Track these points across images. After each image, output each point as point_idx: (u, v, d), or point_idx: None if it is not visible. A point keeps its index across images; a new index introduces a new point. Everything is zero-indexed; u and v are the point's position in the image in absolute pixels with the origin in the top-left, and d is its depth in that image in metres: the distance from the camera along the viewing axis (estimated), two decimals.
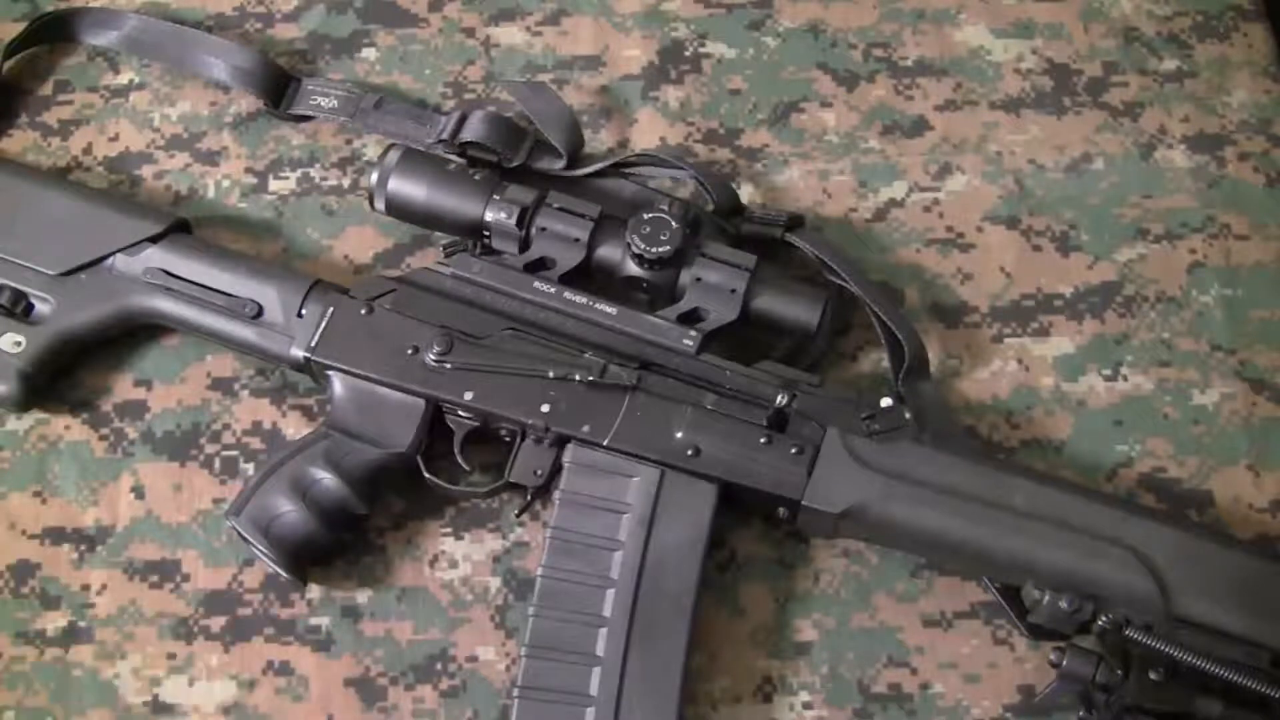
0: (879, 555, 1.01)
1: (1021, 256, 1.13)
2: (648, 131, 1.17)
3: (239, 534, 0.96)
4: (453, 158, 1.07)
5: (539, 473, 0.97)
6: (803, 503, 0.94)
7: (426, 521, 1.02)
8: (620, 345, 0.99)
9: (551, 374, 0.97)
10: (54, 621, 0.99)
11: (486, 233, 1.02)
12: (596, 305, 1.00)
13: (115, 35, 1.18)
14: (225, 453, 1.04)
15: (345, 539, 1.00)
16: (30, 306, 1.03)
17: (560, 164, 1.09)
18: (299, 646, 0.99)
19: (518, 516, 1.00)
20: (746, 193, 1.14)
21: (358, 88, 1.16)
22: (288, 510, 0.95)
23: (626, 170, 1.09)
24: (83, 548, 1.01)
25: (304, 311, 1.00)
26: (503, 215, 1.01)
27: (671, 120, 1.18)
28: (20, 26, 1.18)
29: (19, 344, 1.01)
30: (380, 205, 1.04)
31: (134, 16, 1.19)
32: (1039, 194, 1.15)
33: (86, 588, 1.00)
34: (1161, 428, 1.06)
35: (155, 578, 1.00)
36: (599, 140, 1.17)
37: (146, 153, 1.16)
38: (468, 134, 1.08)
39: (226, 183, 1.15)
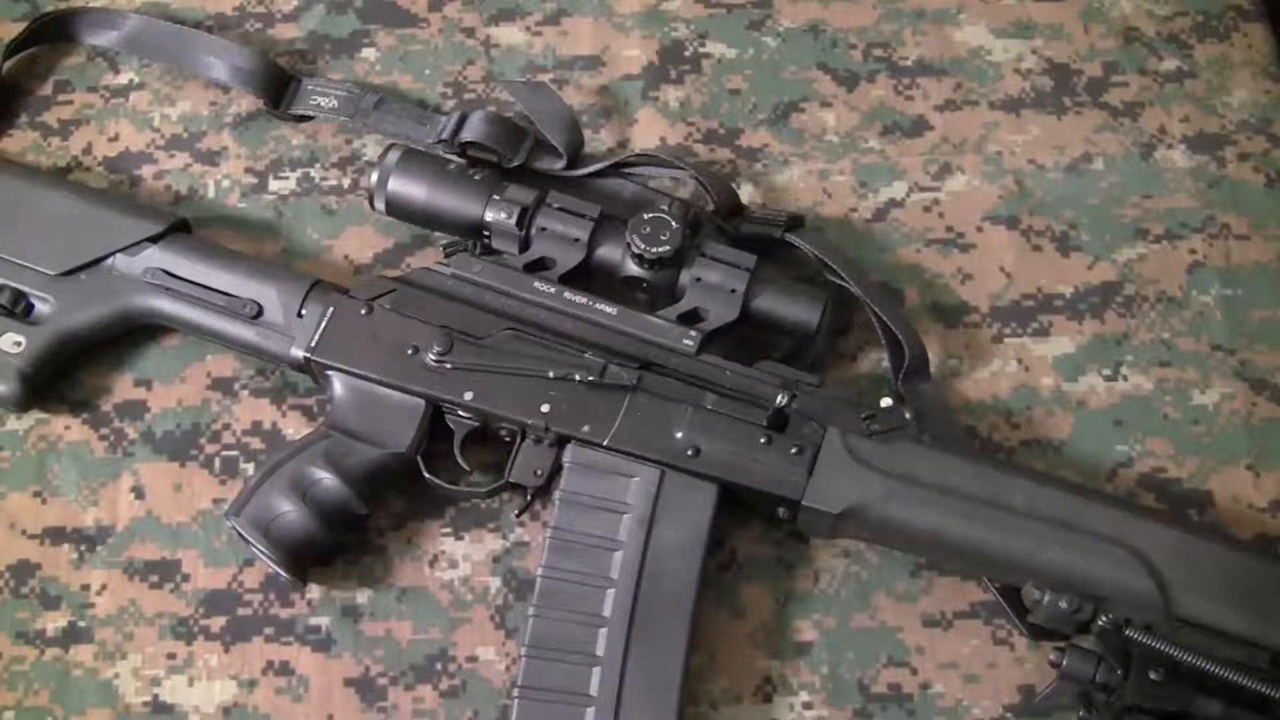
0: (879, 555, 1.01)
1: (1021, 256, 1.13)
2: (648, 131, 1.17)
3: (239, 534, 0.96)
4: (453, 158, 1.07)
5: (539, 473, 0.97)
6: (802, 503, 0.94)
7: (426, 521, 1.02)
8: (620, 345, 0.99)
9: (551, 374, 0.97)
10: (54, 621, 0.99)
11: (486, 233, 1.02)
12: (596, 305, 1.00)
13: (115, 35, 1.18)
14: (225, 453, 1.04)
15: (345, 539, 1.00)
16: (30, 306, 1.03)
17: (560, 164, 1.09)
18: (299, 646, 0.99)
19: (518, 516, 1.00)
20: (746, 193, 1.14)
21: (358, 88, 1.16)
22: (288, 510, 0.95)
23: (626, 170, 1.09)
24: (83, 548, 1.01)
25: (304, 312, 1.00)
26: (503, 215, 1.01)
27: (671, 120, 1.18)
28: (20, 26, 1.18)
29: (19, 344, 1.01)
30: (380, 205, 1.04)
31: (134, 16, 1.19)
32: (1039, 194, 1.15)
33: (86, 588, 1.00)
34: (1161, 428, 1.06)
35: (155, 578, 1.00)
36: (599, 140, 1.17)
37: (146, 153, 1.16)
38: (468, 134, 1.08)
39: (226, 183, 1.15)
